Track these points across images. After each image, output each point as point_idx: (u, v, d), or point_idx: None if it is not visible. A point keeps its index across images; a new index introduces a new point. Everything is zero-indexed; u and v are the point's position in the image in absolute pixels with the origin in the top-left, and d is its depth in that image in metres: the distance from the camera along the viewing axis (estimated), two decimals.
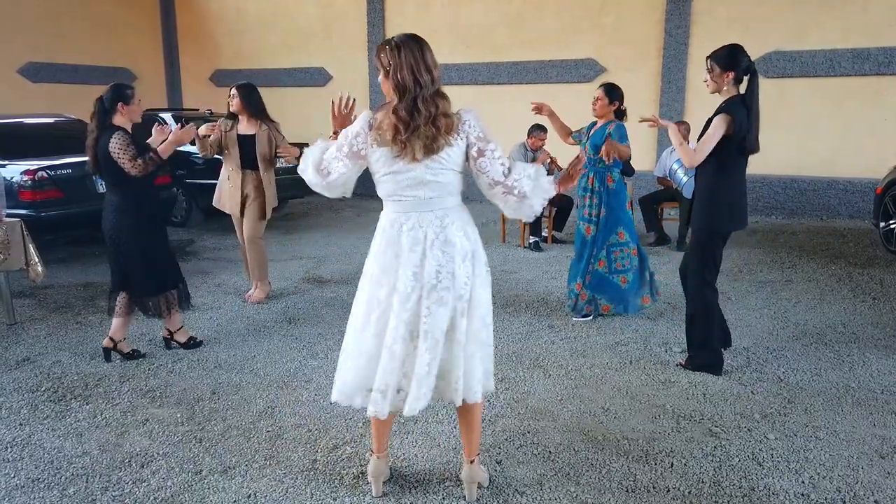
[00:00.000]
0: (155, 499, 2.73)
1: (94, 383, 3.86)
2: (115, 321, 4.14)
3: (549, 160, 7.10)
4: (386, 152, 2.40)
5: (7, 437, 3.24)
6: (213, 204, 5.50)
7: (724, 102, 3.67)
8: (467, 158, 2.48)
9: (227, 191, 5.33)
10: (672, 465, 2.94)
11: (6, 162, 6.28)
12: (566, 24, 10.08)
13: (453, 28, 10.78)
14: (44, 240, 6.06)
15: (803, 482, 2.80)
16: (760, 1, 8.92)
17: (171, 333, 4.35)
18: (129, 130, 3.96)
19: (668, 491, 2.74)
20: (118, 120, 3.90)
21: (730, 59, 3.63)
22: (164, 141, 4.07)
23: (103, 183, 4.04)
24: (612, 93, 4.73)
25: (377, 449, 2.73)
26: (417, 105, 2.34)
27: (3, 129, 7.01)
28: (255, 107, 5.20)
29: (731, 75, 3.63)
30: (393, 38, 2.42)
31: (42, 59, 11.15)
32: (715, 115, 3.64)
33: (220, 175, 5.40)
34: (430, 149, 2.36)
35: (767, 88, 8.96)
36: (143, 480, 2.86)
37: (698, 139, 3.75)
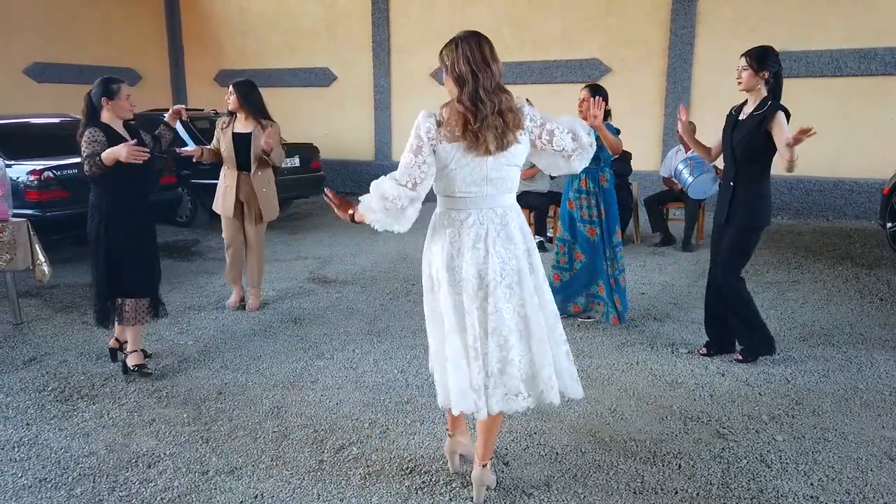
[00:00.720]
0: (162, 499, 2.73)
1: (101, 383, 3.86)
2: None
3: None
4: (456, 147, 2.37)
5: (14, 437, 3.24)
6: (213, 208, 5.28)
7: (770, 102, 3.74)
8: (535, 147, 2.51)
9: (223, 191, 5.13)
10: (680, 466, 2.93)
11: (12, 162, 6.29)
12: (571, 24, 10.06)
13: (458, 28, 10.61)
14: (50, 240, 6.07)
15: (812, 484, 2.79)
16: (766, 1, 8.89)
17: (120, 345, 4.09)
18: (115, 127, 3.76)
19: (676, 493, 2.73)
20: (105, 116, 3.74)
21: (767, 60, 3.72)
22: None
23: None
24: (597, 93, 4.66)
25: (452, 427, 2.84)
26: (480, 95, 2.33)
27: (9, 130, 7.04)
28: (253, 105, 5.01)
29: (767, 75, 3.73)
30: (455, 36, 2.45)
31: (47, 59, 11.17)
32: (765, 114, 3.70)
33: (220, 176, 5.19)
34: (501, 143, 2.37)
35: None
36: (149, 480, 2.86)
37: (731, 140, 3.87)
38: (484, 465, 2.64)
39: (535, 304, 2.49)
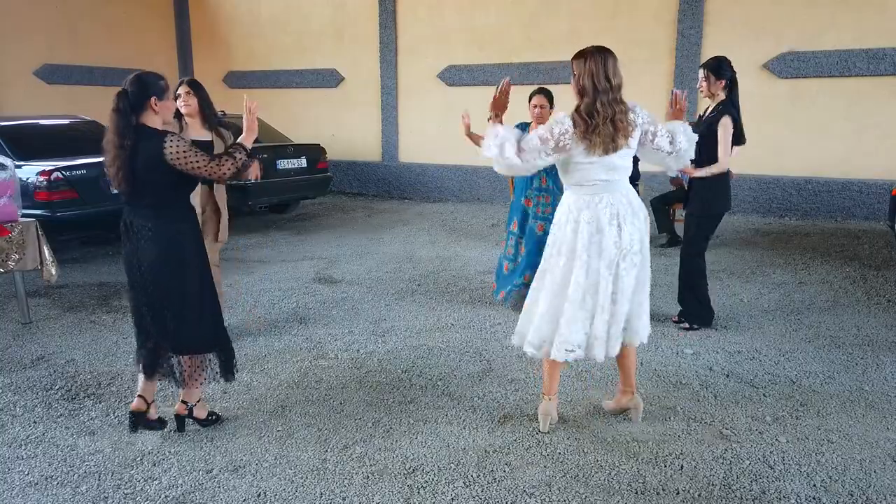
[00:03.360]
0: (166, 497, 2.75)
1: (108, 382, 3.89)
2: (145, 384, 3.18)
3: None
4: (583, 146, 2.91)
5: (21, 435, 3.28)
6: None
7: (719, 105, 4.44)
8: (640, 143, 3.07)
9: None
10: (682, 467, 2.93)
11: (22, 162, 6.35)
12: (579, 25, 10.05)
13: (465, 29, 10.78)
14: (58, 240, 6.13)
15: (815, 485, 2.78)
16: (774, 1, 8.85)
17: (187, 407, 3.29)
18: None
19: (678, 494, 2.73)
20: (149, 120, 2.99)
21: (721, 69, 4.40)
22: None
23: (131, 207, 3.05)
24: (552, 99, 5.09)
25: (549, 391, 3.24)
26: (596, 107, 2.86)
27: (19, 130, 7.10)
28: (210, 108, 4.39)
29: (723, 83, 4.41)
30: (586, 48, 2.96)
31: (58, 60, 11.26)
32: (714, 118, 4.41)
33: None
34: (610, 148, 2.91)
35: (781, 89, 8.97)
36: (154, 478, 2.89)
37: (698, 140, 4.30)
38: (634, 392, 3.33)
39: (645, 266, 3.13)
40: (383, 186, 11.81)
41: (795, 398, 3.60)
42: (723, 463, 2.96)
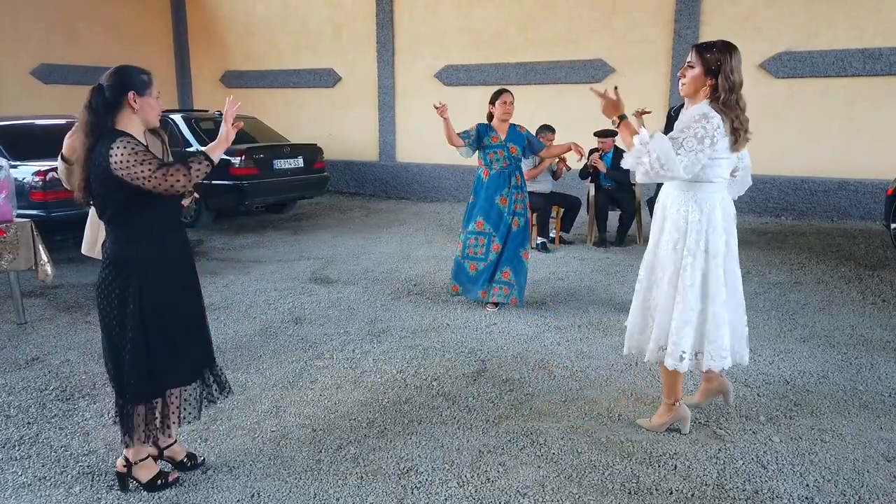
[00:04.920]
0: (159, 497, 2.75)
1: (102, 382, 3.89)
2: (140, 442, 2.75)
3: (556, 161, 7.10)
4: (726, 142, 2.88)
5: (15, 436, 3.27)
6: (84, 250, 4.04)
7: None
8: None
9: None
10: (675, 467, 2.93)
11: (18, 162, 6.34)
12: (576, 24, 10.06)
13: (462, 29, 10.78)
14: (54, 240, 6.12)
15: (808, 485, 2.79)
16: (771, 1, 8.86)
17: (160, 452, 2.91)
18: (138, 137, 2.56)
19: (671, 493, 2.74)
20: (124, 120, 2.56)
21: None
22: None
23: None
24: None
25: (678, 395, 3.18)
26: (739, 103, 2.87)
27: (15, 130, 7.08)
28: None
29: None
30: (718, 41, 2.90)
31: (54, 60, 11.25)
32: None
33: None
34: (742, 145, 2.93)
35: (777, 89, 8.98)
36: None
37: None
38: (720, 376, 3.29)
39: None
40: (380, 186, 11.81)
41: (789, 398, 3.60)
42: (716, 463, 2.97)
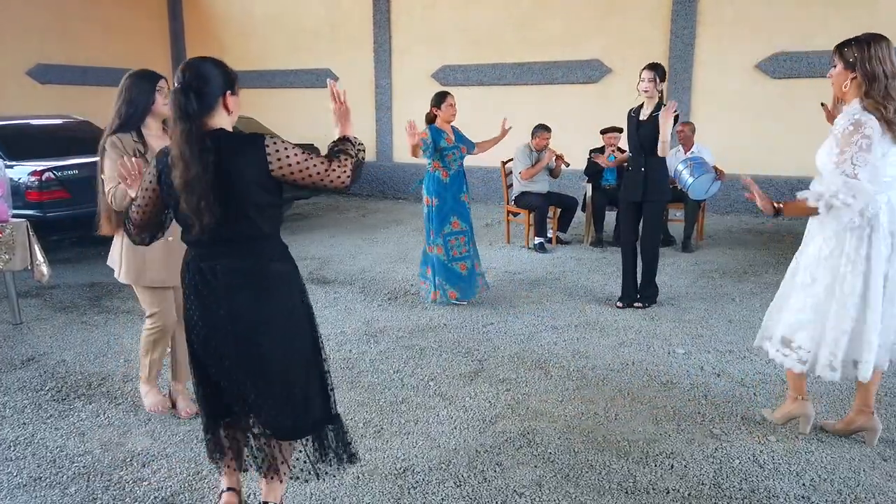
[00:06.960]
0: (155, 498, 2.74)
1: (98, 383, 3.88)
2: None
3: (554, 158, 7.11)
4: (887, 138, 2.75)
5: (10, 436, 3.26)
6: (125, 279, 3.29)
7: (661, 103, 4.94)
8: None
9: (164, 247, 3.09)
10: (672, 466, 2.94)
11: (13, 162, 6.32)
12: (573, 25, 10.06)
13: (459, 29, 10.78)
14: (50, 240, 6.10)
15: (804, 484, 2.79)
16: (767, 1, 8.88)
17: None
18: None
19: (668, 493, 2.74)
20: (220, 121, 2.21)
21: (663, 73, 5.07)
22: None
23: (210, 247, 2.26)
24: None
25: (804, 391, 3.17)
26: (890, 93, 2.70)
27: (11, 130, 7.06)
28: None
29: (664, 85, 5.10)
30: (861, 34, 2.79)
31: (51, 60, 11.21)
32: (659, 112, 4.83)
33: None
34: None
35: (774, 89, 8.99)
36: (143, 479, 2.88)
37: (639, 136, 5.02)
38: (872, 413, 3.09)
39: None
40: (378, 186, 11.80)
41: (786, 398, 3.60)
42: (713, 462, 2.97)
